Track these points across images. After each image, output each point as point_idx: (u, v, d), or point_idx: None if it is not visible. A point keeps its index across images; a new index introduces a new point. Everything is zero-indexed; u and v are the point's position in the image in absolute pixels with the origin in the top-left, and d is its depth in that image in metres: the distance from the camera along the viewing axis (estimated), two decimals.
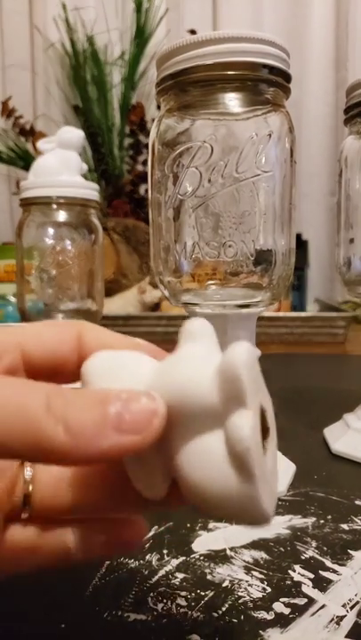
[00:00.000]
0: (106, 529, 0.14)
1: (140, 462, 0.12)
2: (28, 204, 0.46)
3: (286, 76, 0.26)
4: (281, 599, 0.18)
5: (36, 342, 0.14)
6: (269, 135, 0.25)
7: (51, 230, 0.46)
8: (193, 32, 0.83)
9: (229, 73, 0.24)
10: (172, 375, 0.12)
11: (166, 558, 0.21)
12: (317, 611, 0.18)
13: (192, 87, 0.25)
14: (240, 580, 0.20)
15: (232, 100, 0.25)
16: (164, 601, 0.18)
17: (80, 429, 0.10)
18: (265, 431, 0.12)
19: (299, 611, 0.18)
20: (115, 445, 0.11)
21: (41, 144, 0.46)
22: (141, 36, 0.94)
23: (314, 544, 0.22)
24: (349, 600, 0.18)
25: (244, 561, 0.21)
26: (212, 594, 0.19)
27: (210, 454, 0.11)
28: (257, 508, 0.11)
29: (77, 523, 0.14)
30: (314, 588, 0.19)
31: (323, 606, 0.18)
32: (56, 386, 0.11)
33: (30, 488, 0.13)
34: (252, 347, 0.11)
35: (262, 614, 0.18)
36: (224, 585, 0.19)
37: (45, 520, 0.13)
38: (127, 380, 0.12)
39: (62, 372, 0.14)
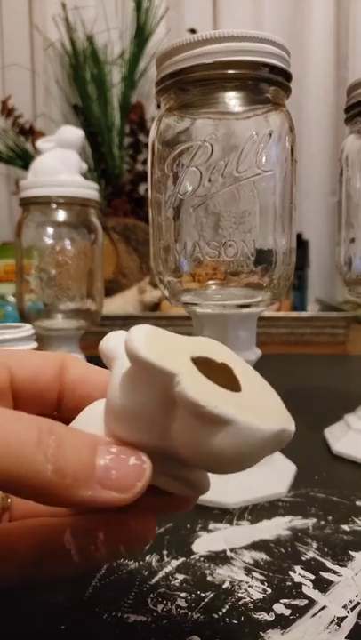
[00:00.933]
0: (106, 523, 0.13)
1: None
2: (27, 203, 0.46)
3: (287, 75, 0.26)
4: (281, 600, 0.18)
5: (20, 365, 0.14)
6: (270, 134, 0.25)
7: (50, 230, 0.46)
8: (193, 31, 0.82)
9: (229, 72, 0.24)
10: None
11: (166, 559, 0.21)
12: (318, 612, 0.18)
13: (192, 86, 0.25)
14: (240, 581, 0.20)
15: (232, 99, 0.25)
16: (164, 602, 0.18)
17: (68, 471, 0.10)
18: (234, 384, 0.12)
19: (299, 612, 0.18)
20: (95, 498, 0.11)
21: (40, 143, 0.46)
22: (141, 36, 0.94)
23: (315, 545, 0.22)
24: (350, 601, 0.18)
25: (245, 562, 0.21)
26: (212, 595, 0.19)
27: (182, 425, 0.11)
28: (257, 434, 0.11)
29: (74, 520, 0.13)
30: (314, 589, 0.19)
31: (323, 607, 0.18)
32: (49, 421, 0.11)
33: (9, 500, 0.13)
34: (148, 327, 0.12)
35: (263, 615, 0.18)
36: (224, 586, 0.19)
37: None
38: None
39: (43, 398, 0.14)
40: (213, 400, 0.11)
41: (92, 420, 0.13)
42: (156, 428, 0.11)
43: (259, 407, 0.12)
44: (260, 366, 0.28)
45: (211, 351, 0.12)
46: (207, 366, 0.12)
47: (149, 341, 0.11)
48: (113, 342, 0.13)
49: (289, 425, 0.12)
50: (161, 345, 0.11)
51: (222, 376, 0.12)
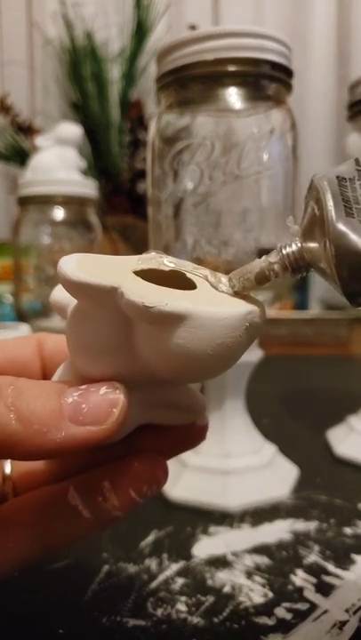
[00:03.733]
0: (110, 471, 0.12)
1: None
2: (25, 201, 0.45)
3: (288, 72, 0.25)
4: (283, 604, 0.18)
5: None
6: (271, 132, 0.25)
7: (48, 228, 0.45)
8: (193, 27, 0.82)
9: (230, 69, 0.24)
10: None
11: (166, 563, 0.21)
12: (320, 616, 0.18)
13: (193, 83, 0.25)
14: (241, 585, 0.19)
15: (233, 96, 0.25)
16: (164, 606, 0.18)
17: (33, 418, 0.10)
18: (189, 288, 0.11)
19: (301, 616, 0.18)
20: (71, 437, 0.10)
21: (39, 141, 0.46)
22: (141, 32, 0.93)
23: (316, 548, 0.22)
24: (352, 605, 0.18)
25: (246, 565, 0.21)
26: (212, 599, 0.19)
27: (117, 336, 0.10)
28: (219, 320, 0.10)
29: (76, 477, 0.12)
30: (316, 592, 0.19)
31: (325, 611, 0.18)
32: (9, 377, 0.11)
33: (8, 468, 0.13)
34: (80, 254, 0.11)
35: (264, 620, 0.17)
36: (225, 590, 0.19)
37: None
38: None
39: (26, 376, 0.14)
40: (162, 299, 0.10)
41: (58, 373, 0.13)
42: (121, 355, 0.11)
43: (218, 299, 0.11)
44: (261, 367, 0.28)
45: (157, 262, 0.12)
46: (156, 278, 0.11)
47: (82, 265, 0.10)
48: (62, 292, 0.12)
49: (255, 307, 0.11)
50: (97, 267, 0.11)
51: (176, 284, 0.11)
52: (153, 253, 0.12)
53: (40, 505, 0.12)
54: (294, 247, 0.11)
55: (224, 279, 0.12)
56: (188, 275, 0.12)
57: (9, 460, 0.13)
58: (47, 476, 0.13)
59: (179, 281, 0.11)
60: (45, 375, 0.14)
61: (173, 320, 0.10)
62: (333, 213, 0.10)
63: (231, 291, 0.11)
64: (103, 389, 0.11)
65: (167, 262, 0.12)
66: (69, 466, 0.13)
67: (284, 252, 0.11)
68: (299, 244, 0.11)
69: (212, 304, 0.10)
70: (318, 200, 0.10)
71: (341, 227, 0.10)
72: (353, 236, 0.10)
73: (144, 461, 0.12)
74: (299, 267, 0.11)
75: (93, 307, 0.11)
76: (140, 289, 0.10)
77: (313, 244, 0.11)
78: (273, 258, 0.11)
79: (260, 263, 0.11)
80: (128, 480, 0.12)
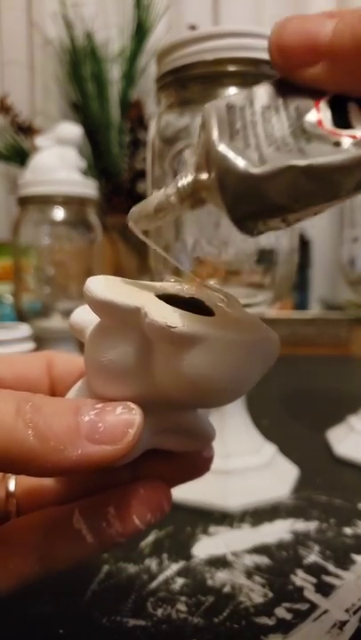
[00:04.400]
0: (115, 497, 0.12)
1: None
2: (25, 201, 0.45)
3: None
4: (283, 604, 0.18)
5: (7, 368, 0.14)
6: None
7: (48, 228, 0.45)
8: (193, 27, 0.82)
9: (230, 69, 0.24)
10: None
11: (166, 563, 0.21)
12: (320, 616, 0.18)
13: (192, 83, 0.25)
14: (241, 585, 0.19)
15: None
16: (164, 606, 0.18)
17: (50, 434, 0.10)
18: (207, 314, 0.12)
19: (301, 616, 0.18)
20: (87, 455, 0.10)
21: (39, 141, 0.46)
22: (141, 33, 0.93)
23: (317, 548, 0.22)
24: (352, 605, 0.18)
25: (246, 565, 0.21)
26: (212, 599, 0.19)
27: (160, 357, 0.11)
28: (234, 346, 0.10)
29: (82, 502, 0.12)
30: (316, 592, 0.19)
31: (325, 611, 0.18)
32: (27, 393, 0.11)
33: (12, 486, 0.13)
34: (106, 276, 0.12)
35: (264, 620, 0.17)
36: (225, 590, 0.19)
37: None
38: None
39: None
40: (183, 321, 0.10)
41: (74, 392, 0.13)
42: (137, 376, 0.11)
43: (234, 325, 0.11)
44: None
45: (177, 288, 0.12)
46: (175, 303, 0.11)
47: (108, 286, 0.11)
48: (81, 314, 0.13)
49: (270, 333, 0.11)
50: (121, 288, 0.11)
51: (194, 310, 0.11)
52: (172, 280, 0.13)
53: (44, 526, 0.12)
54: (189, 178, 0.11)
55: (235, 303, 0.12)
56: (207, 303, 0.12)
57: (13, 477, 0.13)
58: (51, 497, 0.13)
59: (198, 310, 0.12)
60: (54, 394, 0.14)
61: (193, 342, 0.10)
62: (216, 137, 0.10)
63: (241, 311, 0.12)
64: (120, 409, 0.11)
65: (187, 289, 0.12)
66: (75, 487, 0.13)
67: (179, 184, 0.11)
68: (192, 175, 0.11)
69: (231, 329, 0.11)
70: (204, 125, 0.10)
71: (223, 149, 0.09)
72: (234, 159, 0.09)
73: (149, 489, 0.12)
74: (194, 198, 0.11)
75: (116, 326, 0.11)
76: (162, 310, 0.10)
77: (205, 175, 0.10)
78: (170, 190, 0.11)
79: (159, 195, 0.11)
80: (133, 507, 0.12)
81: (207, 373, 0.10)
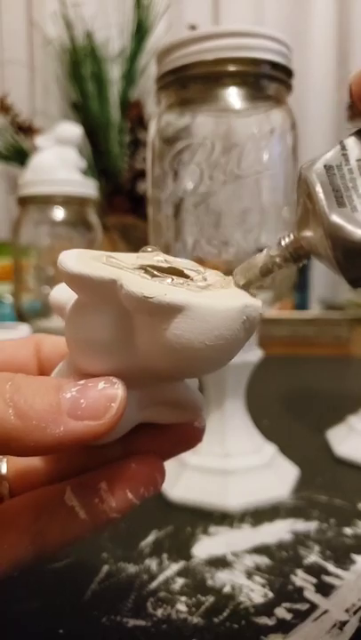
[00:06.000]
0: (107, 473, 0.12)
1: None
2: (25, 201, 0.45)
3: (288, 72, 0.25)
4: (283, 604, 0.18)
5: None
6: (271, 132, 0.25)
7: (48, 228, 0.45)
8: (193, 27, 0.82)
9: (230, 69, 0.24)
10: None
11: (166, 563, 0.21)
12: (320, 616, 0.18)
13: (193, 83, 0.25)
14: (241, 585, 0.19)
15: (233, 96, 0.25)
16: (164, 606, 0.18)
17: (31, 413, 0.10)
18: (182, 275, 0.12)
19: (301, 616, 0.18)
20: (70, 432, 0.10)
21: (39, 141, 0.46)
22: (141, 32, 0.93)
23: (317, 549, 0.22)
24: (352, 605, 0.18)
25: (246, 565, 0.21)
26: (212, 599, 0.19)
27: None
28: (217, 313, 0.10)
29: (74, 480, 0.12)
30: (316, 592, 0.19)
31: (325, 611, 0.18)
32: (7, 373, 0.11)
33: (4, 468, 0.13)
34: (80, 249, 0.11)
35: (264, 620, 0.17)
36: (225, 590, 0.19)
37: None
38: None
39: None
40: (162, 290, 0.10)
41: (57, 370, 0.13)
42: (119, 350, 0.11)
43: (215, 293, 0.11)
44: (261, 367, 0.28)
45: (155, 259, 0.12)
46: (154, 274, 0.11)
47: (82, 259, 0.11)
48: (60, 291, 0.13)
49: (251, 300, 0.11)
50: (96, 261, 0.11)
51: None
52: (150, 249, 0.12)
53: (36, 506, 0.12)
54: (292, 237, 0.12)
55: (225, 277, 0.12)
56: (186, 271, 0.12)
57: (4, 460, 0.13)
58: (43, 477, 0.13)
59: (177, 273, 0.12)
60: (42, 375, 0.14)
61: (172, 311, 0.10)
62: (326, 207, 0.10)
63: (231, 286, 0.12)
64: (101, 384, 0.11)
65: (165, 259, 0.12)
66: (66, 467, 0.13)
67: (283, 243, 0.12)
68: (295, 235, 0.11)
69: (210, 297, 0.10)
70: (309, 194, 0.11)
71: (335, 219, 0.10)
72: (348, 227, 0.10)
73: (141, 463, 0.12)
74: (298, 255, 0.12)
75: (93, 300, 0.11)
76: (139, 281, 0.10)
77: (309, 233, 0.11)
78: (274, 251, 0.12)
79: (262, 257, 0.12)
80: (125, 482, 0.12)
81: (188, 343, 0.10)
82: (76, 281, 0.10)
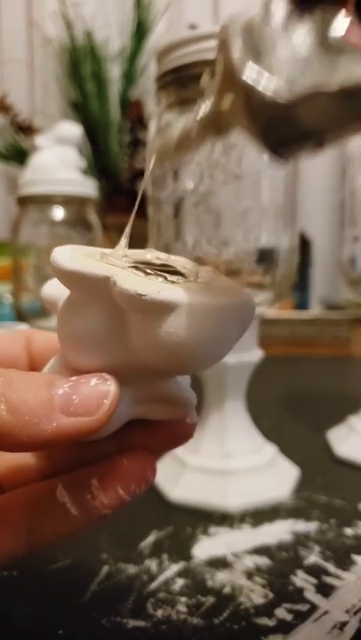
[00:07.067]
0: (99, 469, 0.12)
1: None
2: (25, 201, 0.45)
3: None
4: (283, 605, 0.18)
5: None
6: None
7: (48, 228, 0.45)
8: (193, 27, 0.82)
9: None
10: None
11: (166, 563, 0.21)
12: (320, 617, 0.18)
13: (193, 82, 0.25)
14: (241, 586, 0.19)
15: None
16: (164, 607, 0.18)
17: (24, 408, 0.10)
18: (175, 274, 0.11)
19: (301, 617, 0.18)
20: (63, 428, 0.10)
21: (39, 140, 0.46)
22: (141, 32, 0.93)
23: (317, 549, 0.22)
24: (353, 606, 0.18)
25: (246, 566, 0.21)
26: (212, 600, 0.18)
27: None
28: (210, 310, 0.10)
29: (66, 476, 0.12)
30: (317, 593, 0.19)
31: (326, 612, 0.18)
32: None
33: None
34: (74, 245, 0.11)
35: (264, 620, 0.17)
36: (225, 591, 0.19)
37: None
38: None
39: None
40: (155, 288, 0.10)
41: (49, 366, 0.13)
42: (112, 346, 0.11)
43: (208, 290, 0.11)
44: (261, 367, 0.28)
45: (149, 256, 0.12)
46: (147, 270, 0.11)
47: (75, 255, 0.11)
48: (53, 287, 0.13)
49: (245, 297, 0.11)
50: (89, 257, 0.11)
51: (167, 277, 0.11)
52: (147, 249, 0.12)
53: (28, 502, 0.12)
54: (210, 104, 0.10)
55: (219, 274, 0.12)
56: (179, 269, 0.12)
57: None
58: (35, 474, 0.13)
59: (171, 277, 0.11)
60: (33, 371, 0.14)
61: (165, 309, 0.10)
62: (240, 60, 0.09)
63: (225, 283, 0.11)
64: (94, 381, 0.11)
65: (157, 256, 0.12)
66: (58, 463, 0.13)
67: (200, 112, 0.11)
68: (214, 101, 0.10)
69: (204, 294, 0.10)
70: (227, 53, 0.09)
71: (249, 74, 0.09)
72: (261, 86, 0.09)
73: (133, 460, 0.12)
74: (218, 124, 0.10)
75: (86, 297, 0.11)
76: (132, 278, 0.10)
77: (228, 97, 0.10)
78: (190, 121, 0.11)
79: (178, 129, 0.11)
80: (117, 478, 0.12)
81: (182, 340, 0.10)
82: (69, 277, 0.10)
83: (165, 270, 0.11)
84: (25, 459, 0.13)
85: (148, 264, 0.11)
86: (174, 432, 0.13)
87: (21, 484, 0.13)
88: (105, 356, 0.11)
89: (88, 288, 0.10)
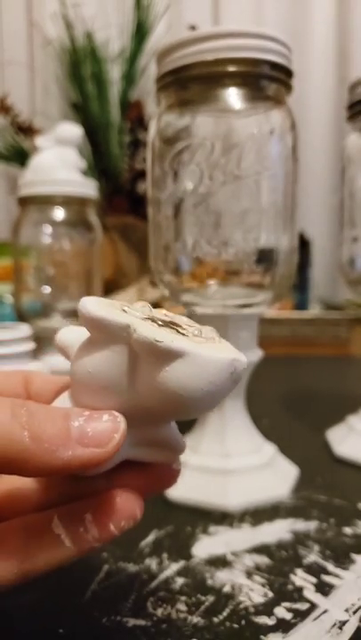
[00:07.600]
0: (93, 504, 0.13)
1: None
2: (25, 201, 0.45)
3: (288, 72, 0.25)
4: (283, 604, 0.18)
5: None
6: (271, 132, 0.25)
7: (48, 228, 0.45)
8: (193, 28, 0.82)
9: (230, 69, 0.24)
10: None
11: (166, 562, 0.21)
12: (320, 616, 0.18)
13: (192, 83, 0.25)
14: (241, 585, 0.19)
15: (233, 97, 0.25)
16: (164, 606, 0.18)
17: (44, 436, 0.11)
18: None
19: (301, 616, 0.18)
20: (77, 457, 0.11)
21: (39, 141, 0.46)
22: (141, 33, 0.93)
23: (316, 548, 0.22)
24: (352, 604, 0.18)
25: (246, 565, 0.21)
26: (212, 599, 0.19)
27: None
28: (212, 362, 0.12)
29: (61, 508, 0.13)
30: (316, 592, 0.19)
31: (325, 611, 0.18)
32: (20, 399, 0.12)
33: None
34: (98, 297, 0.13)
35: (264, 619, 0.17)
36: (225, 590, 0.19)
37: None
38: None
39: None
40: (169, 337, 0.12)
41: (59, 403, 0.14)
42: (122, 387, 0.12)
43: (212, 345, 0.13)
44: (261, 367, 0.28)
45: (160, 313, 0.14)
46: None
47: (101, 304, 0.13)
48: (67, 334, 0.15)
49: (239, 355, 0.12)
50: (112, 308, 0.13)
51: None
52: (155, 309, 0.14)
53: (25, 531, 0.13)
54: None
55: (217, 334, 0.14)
56: (184, 326, 0.13)
57: None
58: (31, 504, 0.14)
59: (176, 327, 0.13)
60: None
61: (176, 356, 0.12)
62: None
63: (222, 342, 0.13)
64: (105, 417, 0.12)
65: (165, 313, 0.14)
66: (53, 495, 0.14)
67: None
68: None
69: (207, 348, 0.12)
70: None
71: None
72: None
73: (125, 498, 0.13)
74: None
75: (105, 341, 0.12)
76: (149, 327, 0.12)
77: None
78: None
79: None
80: (109, 514, 0.13)
81: (185, 385, 0.12)
82: (96, 323, 0.12)
83: (173, 326, 0.13)
84: (22, 489, 0.14)
85: (160, 319, 0.13)
86: (161, 475, 0.14)
87: (17, 514, 0.13)
88: (114, 397, 0.12)
89: (110, 333, 0.12)
